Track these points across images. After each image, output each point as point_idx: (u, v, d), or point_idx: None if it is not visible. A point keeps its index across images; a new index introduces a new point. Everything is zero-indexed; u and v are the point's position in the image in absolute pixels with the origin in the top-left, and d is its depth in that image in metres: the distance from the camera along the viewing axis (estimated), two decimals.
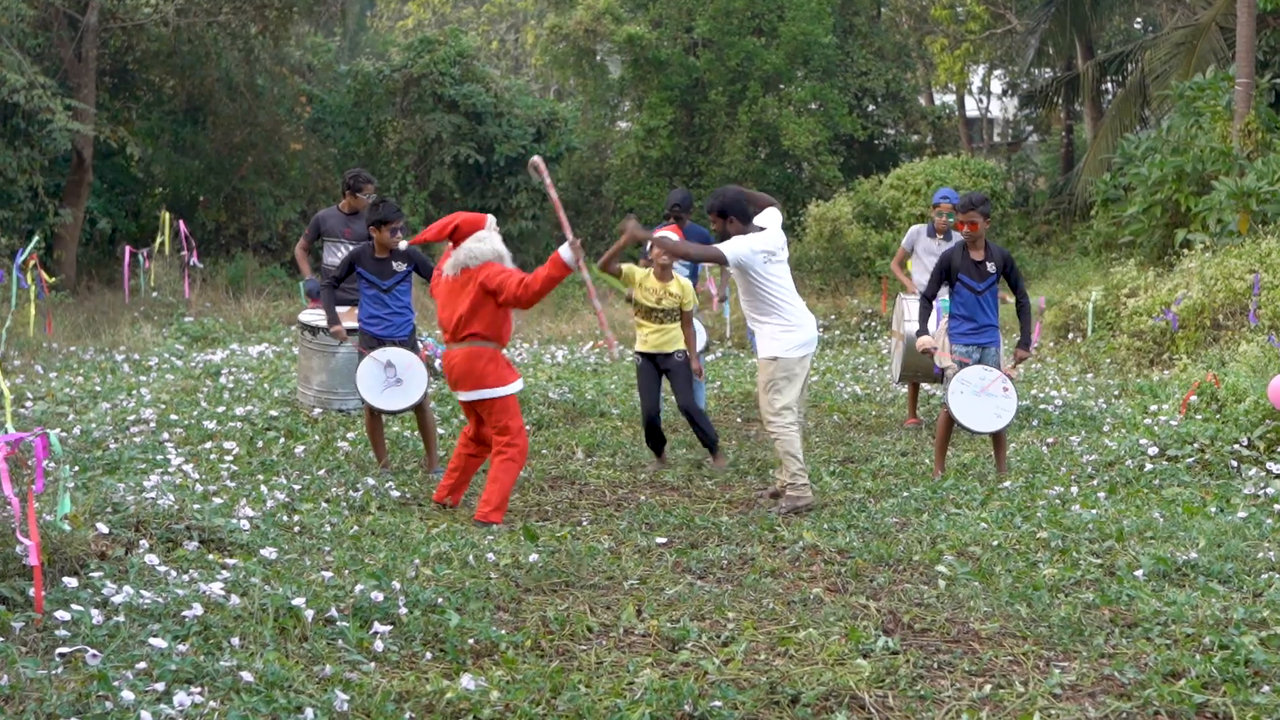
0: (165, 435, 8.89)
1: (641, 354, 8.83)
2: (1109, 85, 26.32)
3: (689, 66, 23.62)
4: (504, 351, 7.20)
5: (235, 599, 5.12)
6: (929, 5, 30.78)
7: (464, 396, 7.12)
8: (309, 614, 4.97)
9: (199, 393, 10.74)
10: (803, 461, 7.44)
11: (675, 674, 4.68)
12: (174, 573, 5.51)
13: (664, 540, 6.61)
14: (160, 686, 4.25)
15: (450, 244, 7.11)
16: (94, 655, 4.45)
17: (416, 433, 9.43)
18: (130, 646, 4.63)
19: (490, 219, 7.10)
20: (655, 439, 8.82)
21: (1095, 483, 7.74)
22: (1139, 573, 5.76)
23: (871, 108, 26.33)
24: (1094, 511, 6.81)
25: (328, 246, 10.12)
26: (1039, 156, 31.41)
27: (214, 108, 21.14)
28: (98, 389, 10.85)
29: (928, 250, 10.12)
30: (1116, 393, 11.15)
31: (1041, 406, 10.34)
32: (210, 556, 5.87)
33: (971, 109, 36.41)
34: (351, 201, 9.95)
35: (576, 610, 5.40)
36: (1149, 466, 7.95)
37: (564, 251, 6.73)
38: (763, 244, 7.30)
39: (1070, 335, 14.33)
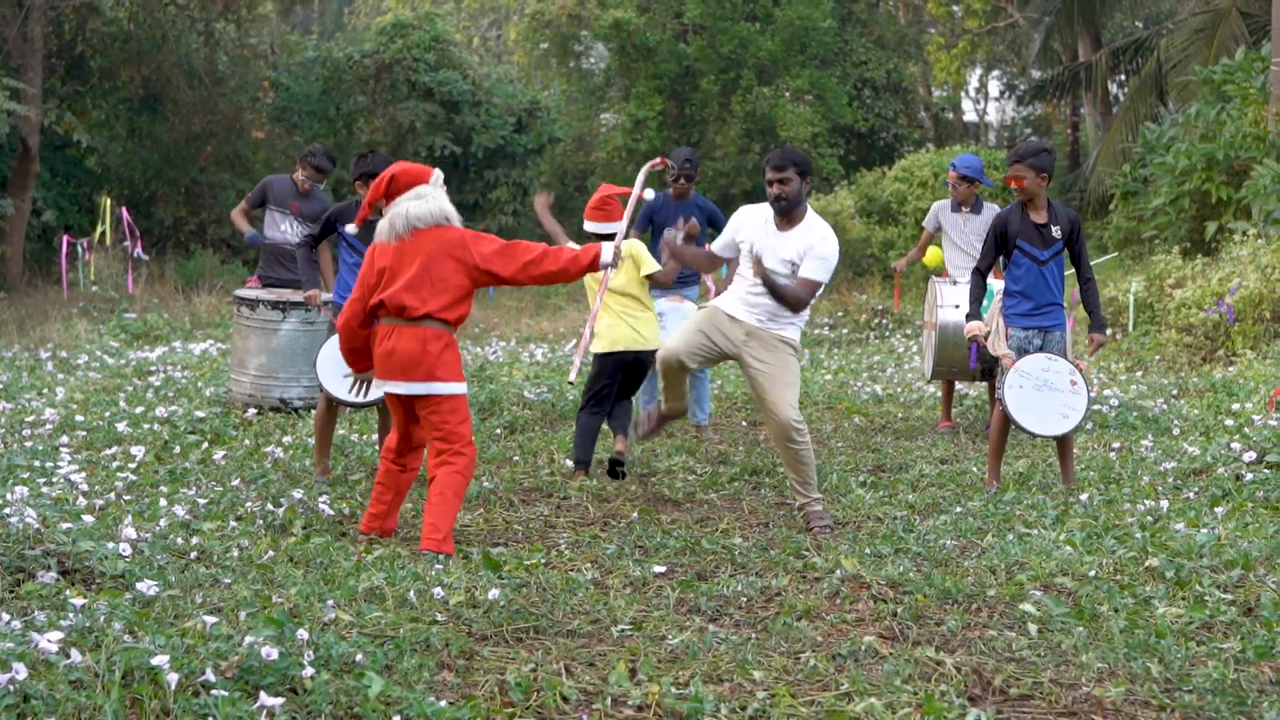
0: (65, 439, 7.46)
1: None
2: (1120, 78, 25.20)
3: (679, 54, 22.22)
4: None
5: (76, 655, 3.69)
6: (925, 1, 29.52)
7: (404, 389, 5.54)
8: (173, 679, 3.54)
9: (121, 392, 9.32)
10: None
11: None
12: (5, 617, 4.09)
13: (662, 569, 5.19)
14: None
15: (385, 201, 5.60)
16: None
17: (366, 437, 8.05)
18: None
19: (436, 173, 5.58)
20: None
21: (1188, 496, 6.34)
22: None
23: (870, 99, 24.95)
24: (1205, 531, 5.40)
25: (270, 216, 8.81)
26: None
27: (172, 95, 19.80)
28: (0, 386, 9.41)
29: (955, 227, 8.83)
30: (1174, 392, 9.78)
31: (1095, 408, 8.95)
32: (67, 593, 4.46)
33: (968, 113, 35.13)
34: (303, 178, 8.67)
35: (547, 670, 3.97)
36: (1248, 475, 6.56)
37: (606, 254, 5.66)
38: None
39: (1109, 330, 12.96)
